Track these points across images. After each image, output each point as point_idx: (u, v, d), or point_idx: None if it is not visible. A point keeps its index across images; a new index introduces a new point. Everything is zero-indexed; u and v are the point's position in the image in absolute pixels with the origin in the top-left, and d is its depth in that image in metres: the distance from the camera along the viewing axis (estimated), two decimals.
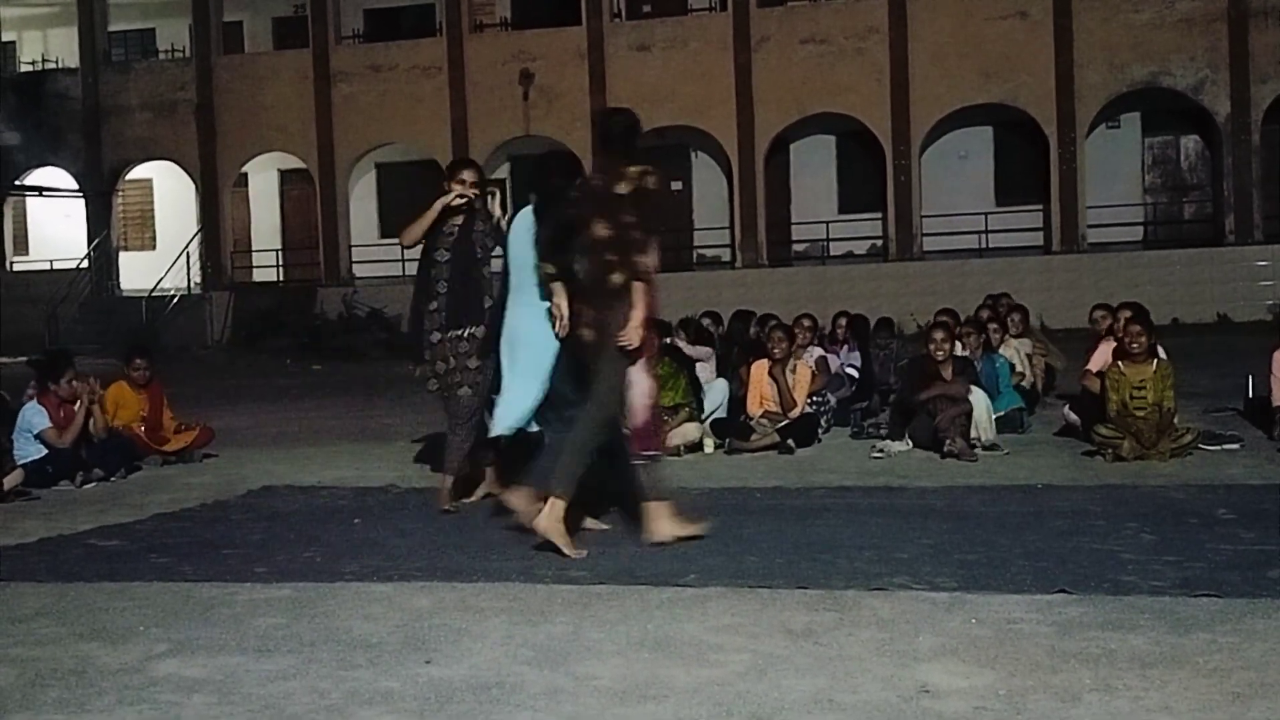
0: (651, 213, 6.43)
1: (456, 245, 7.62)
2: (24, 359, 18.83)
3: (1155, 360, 9.14)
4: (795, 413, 10.15)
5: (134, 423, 10.32)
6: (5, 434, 9.43)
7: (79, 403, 9.52)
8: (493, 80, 28.79)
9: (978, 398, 9.51)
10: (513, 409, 6.91)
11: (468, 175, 7.76)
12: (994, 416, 10.09)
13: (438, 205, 7.62)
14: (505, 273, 7.12)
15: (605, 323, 6.24)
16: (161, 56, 32.58)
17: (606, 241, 6.26)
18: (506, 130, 28.74)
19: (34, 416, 9.45)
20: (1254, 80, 25.47)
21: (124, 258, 32.19)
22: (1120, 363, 9.20)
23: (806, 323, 11.22)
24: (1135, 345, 9.10)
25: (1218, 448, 9.12)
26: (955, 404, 9.39)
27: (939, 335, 9.82)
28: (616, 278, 6.22)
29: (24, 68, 33.37)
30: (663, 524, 6.28)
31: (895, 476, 8.53)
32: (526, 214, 7.06)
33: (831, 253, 28.00)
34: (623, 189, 6.28)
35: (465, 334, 7.55)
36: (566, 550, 6.02)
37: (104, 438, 9.68)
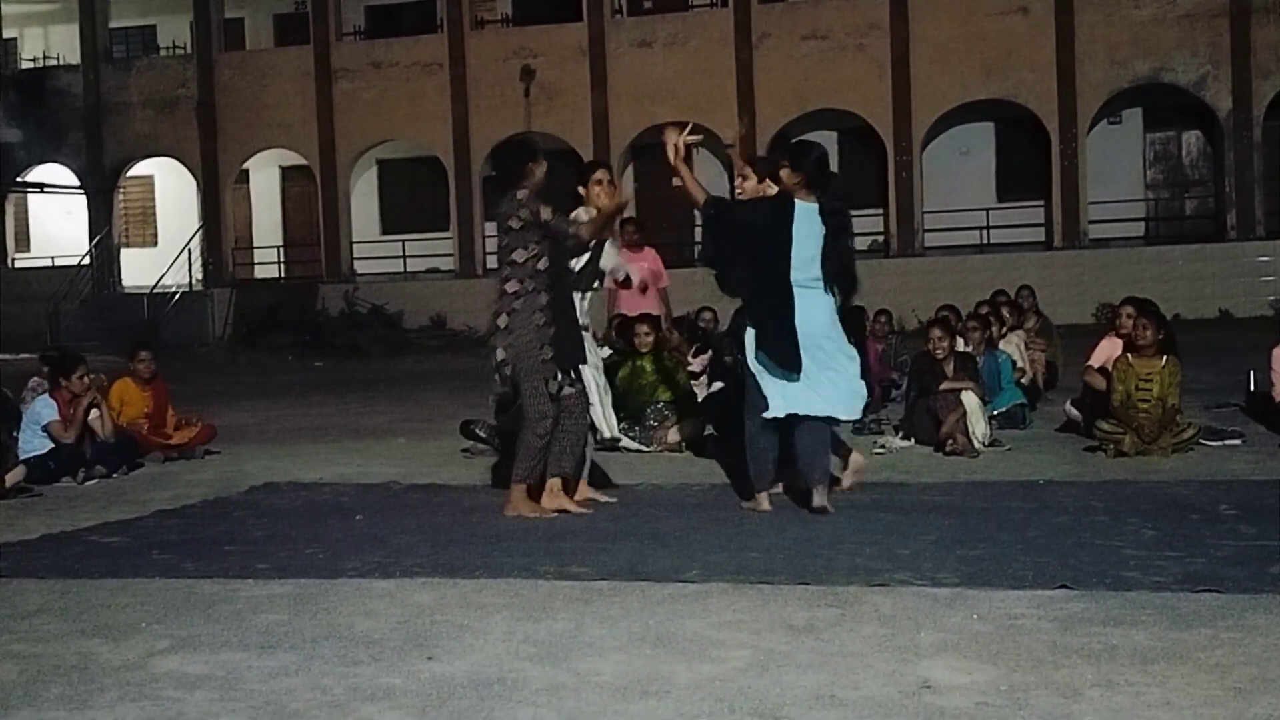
0: None
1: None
2: (29, 355, 18.85)
3: (1165, 357, 9.13)
4: None
5: (138, 419, 10.33)
6: (7, 430, 9.44)
7: (83, 400, 9.54)
8: (494, 77, 28.79)
9: (968, 398, 9.47)
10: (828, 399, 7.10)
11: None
12: (996, 412, 10.09)
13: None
14: (767, 268, 7.01)
15: None
16: (163, 53, 32.59)
17: None
18: (507, 127, 28.61)
19: (43, 409, 9.49)
20: (1256, 75, 25.46)
21: (125, 254, 32.21)
22: (1129, 354, 9.19)
23: None
24: (1142, 338, 9.09)
25: (1219, 443, 9.12)
26: (958, 406, 9.38)
27: (936, 332, 9.84)
28: None
29: (25, 64, 33.38)
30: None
31: (897, 472, 8.53)
32: (811, 210, 7.01)
33: None
34: None
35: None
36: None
37: (112, 441, 9.70)
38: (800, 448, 7.06)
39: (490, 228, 29.16)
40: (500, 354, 7.16)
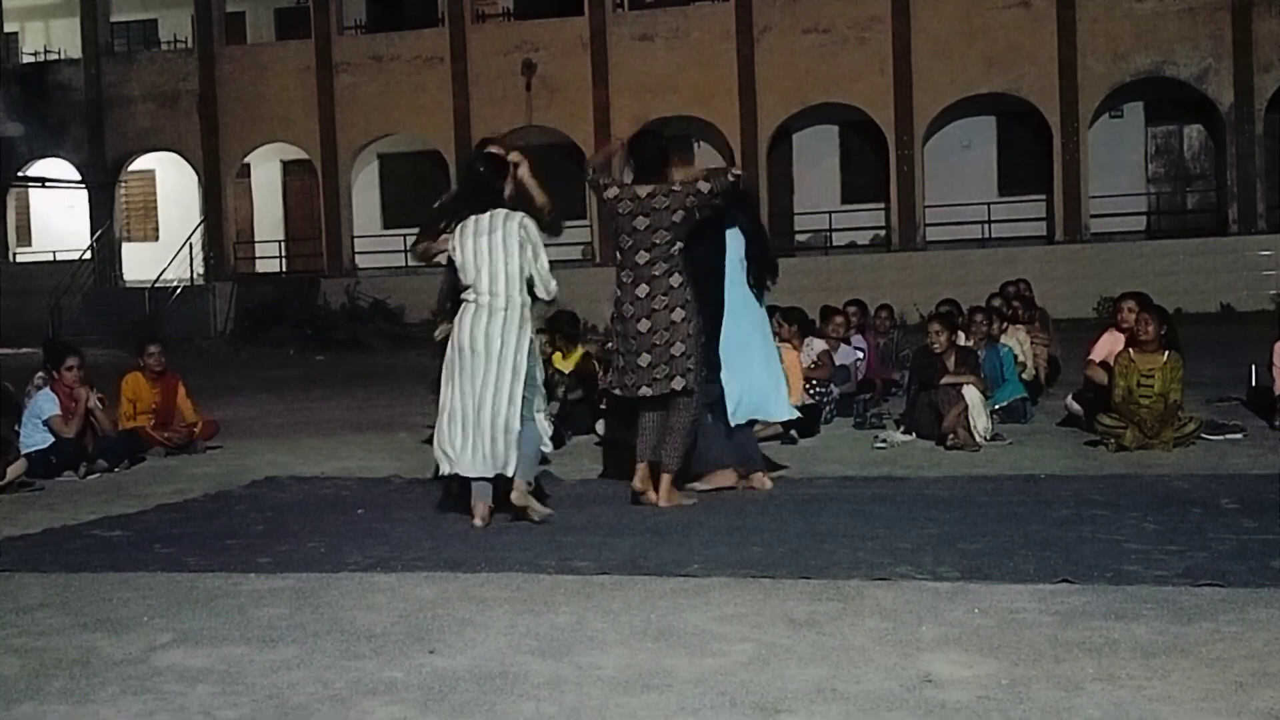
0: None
1: None
2: (30, 350, 18.86)
3: (1167, 352, 9.12)
4: (794, 402, 10.08)
5: (145, 415, 10.32)
6: (9, 424, 9.45)
7: (82, 399, 9.54)
8: (495, 71, 28.75)
9: (969, 392, 9.45)
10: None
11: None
12: (998, 406, 10.08)
13: None
14: (717, 267, 7.54)
15: None
16: (164, 47, 32.56)
17: None
18: (509, 121, 28.63)
19: (44, 403, 9.51)
20: (1257, 69, 25.42)
21: (127, 249, 32.19)
22: (1131, 349, 9.19)
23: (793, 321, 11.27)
24: (1144, 334, 9.08)
25: (1221, 437, 9.12)
26: (960, 400, 9.36)
27: (935, 326, 9.85)
28: None
29: (26, 59, 33.33)
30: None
31: (898, 467, 8.54)
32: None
33: (834, 243, 27.93)
34: None
35: None
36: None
37: (113, 435, 9.71)
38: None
39: None
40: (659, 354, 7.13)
